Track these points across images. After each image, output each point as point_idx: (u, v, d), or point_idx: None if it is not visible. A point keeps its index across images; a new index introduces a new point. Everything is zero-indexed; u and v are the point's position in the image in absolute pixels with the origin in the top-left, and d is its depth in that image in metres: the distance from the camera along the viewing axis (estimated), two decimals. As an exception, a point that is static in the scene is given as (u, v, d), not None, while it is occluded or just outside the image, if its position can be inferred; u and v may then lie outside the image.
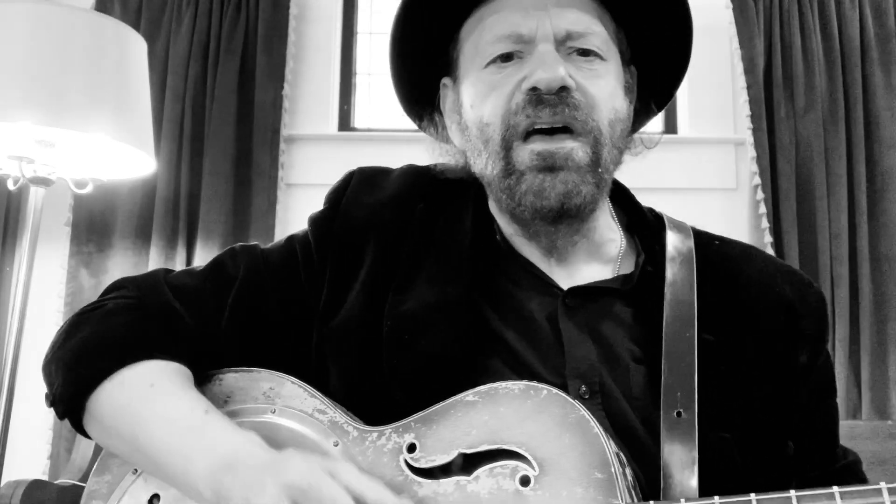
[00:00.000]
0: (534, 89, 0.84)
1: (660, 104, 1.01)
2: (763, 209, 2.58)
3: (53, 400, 0.87)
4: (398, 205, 0.94)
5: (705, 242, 0.95)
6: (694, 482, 0.77)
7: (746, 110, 2.63)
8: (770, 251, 2.55)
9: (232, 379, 0.88)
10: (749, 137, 2.62)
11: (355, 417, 0.83)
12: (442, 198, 0.95)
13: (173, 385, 0.84)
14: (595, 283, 0.90)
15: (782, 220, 2.57)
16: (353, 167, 1.03)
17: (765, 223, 2.58)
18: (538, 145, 0.85)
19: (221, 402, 0.87)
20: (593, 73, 0.87)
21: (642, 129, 1.01)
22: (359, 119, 2.96)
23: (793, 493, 0.64)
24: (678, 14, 0.94)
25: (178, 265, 2.59)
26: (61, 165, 1.89)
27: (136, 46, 1.91)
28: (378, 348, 0.85)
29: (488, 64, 0.89)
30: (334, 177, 1.01)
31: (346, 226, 0.93)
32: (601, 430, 0.71)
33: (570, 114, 0.84)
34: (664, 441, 0.79)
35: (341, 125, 2.89)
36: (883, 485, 0.62)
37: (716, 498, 0.66)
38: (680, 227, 0.96)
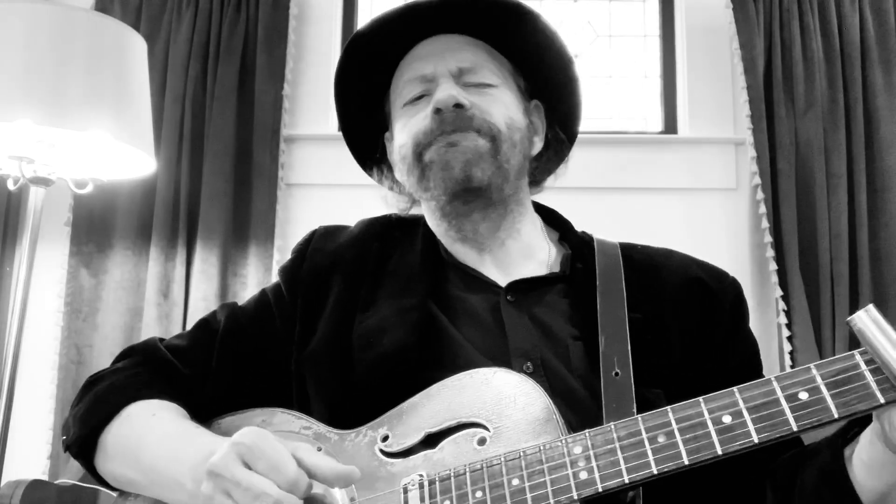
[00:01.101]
0: (437, 111, 1.02)
1: (571, 137, 1.18)
2: (763, 209, 2.58)
3: (69, 443, 1.00)
4: (357, 246, 1.10)
5: (630, 247, 1.11)
6: None
7: (746, 110, 2.63)
8: (770, 251, 2.55)
9: (229, 420, 1.01)
10: (749, 137, 2.61)
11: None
12: (395, 237, 1.12)
13: (171, 414, 0.97)
14: (530, 277, 1.05)
15: (782, 220, 2.56)
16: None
17: (765, 223, 2.58)
18: (442, 138, 1.02)
19: None
20: (486, 95, 1.06)
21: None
22: (359, 119, 2.95)
23: (700, 398, 0.74)
24: (560, 58, 1.13)
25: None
26: (61, 165, 1.89)
27: (136, 46, 1.91)
28: (350, 362, 0.97)
29: (405, 104, 1.09)
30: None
31: (313, 269, 1.08)
32: (541, 388, 0.83)
33: (468, 123, 1.02)
34: (605, 398, 0.90)
35: (341, 125, 2.88)
36: (772, 377, 0.73)
37: (639, 416, 0.76)
38: (607, 241, 1.12)
